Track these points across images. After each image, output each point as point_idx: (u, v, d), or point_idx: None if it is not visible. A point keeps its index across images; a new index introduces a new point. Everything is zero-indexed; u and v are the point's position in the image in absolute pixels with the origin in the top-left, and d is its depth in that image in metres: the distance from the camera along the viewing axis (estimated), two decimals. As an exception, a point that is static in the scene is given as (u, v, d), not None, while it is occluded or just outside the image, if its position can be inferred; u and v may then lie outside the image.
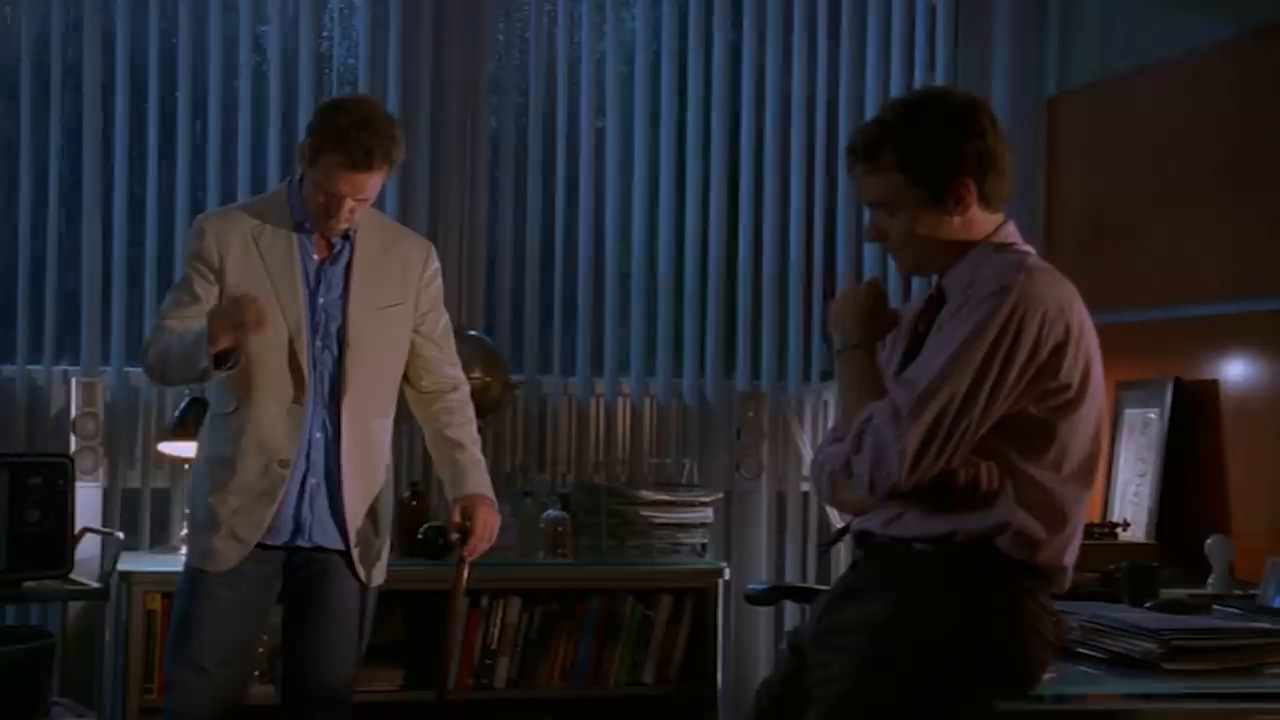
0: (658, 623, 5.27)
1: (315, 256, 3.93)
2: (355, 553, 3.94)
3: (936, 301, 3.04)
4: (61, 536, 4.67)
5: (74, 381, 5.14)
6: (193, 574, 3.94)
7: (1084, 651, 3.48)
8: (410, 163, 5.37)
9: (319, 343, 3.90)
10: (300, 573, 3.96)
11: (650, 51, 5.83)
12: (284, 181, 4.08)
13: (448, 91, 5.58)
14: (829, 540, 3.35)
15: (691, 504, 5.43)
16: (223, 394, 3.95)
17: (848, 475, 2.89)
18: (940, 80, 6.03)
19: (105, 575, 4.77)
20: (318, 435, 3.90)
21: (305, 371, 3.86)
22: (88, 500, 5.01)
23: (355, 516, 3.93)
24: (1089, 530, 4.91)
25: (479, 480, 4.07)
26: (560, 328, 5.73)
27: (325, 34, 5.59)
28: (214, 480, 3.91)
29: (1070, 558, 2.98)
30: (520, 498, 5.37)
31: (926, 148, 2.94)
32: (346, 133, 3.76)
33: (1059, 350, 2.86)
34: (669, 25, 5.83)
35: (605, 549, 5.36)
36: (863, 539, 3.08)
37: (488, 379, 5.23)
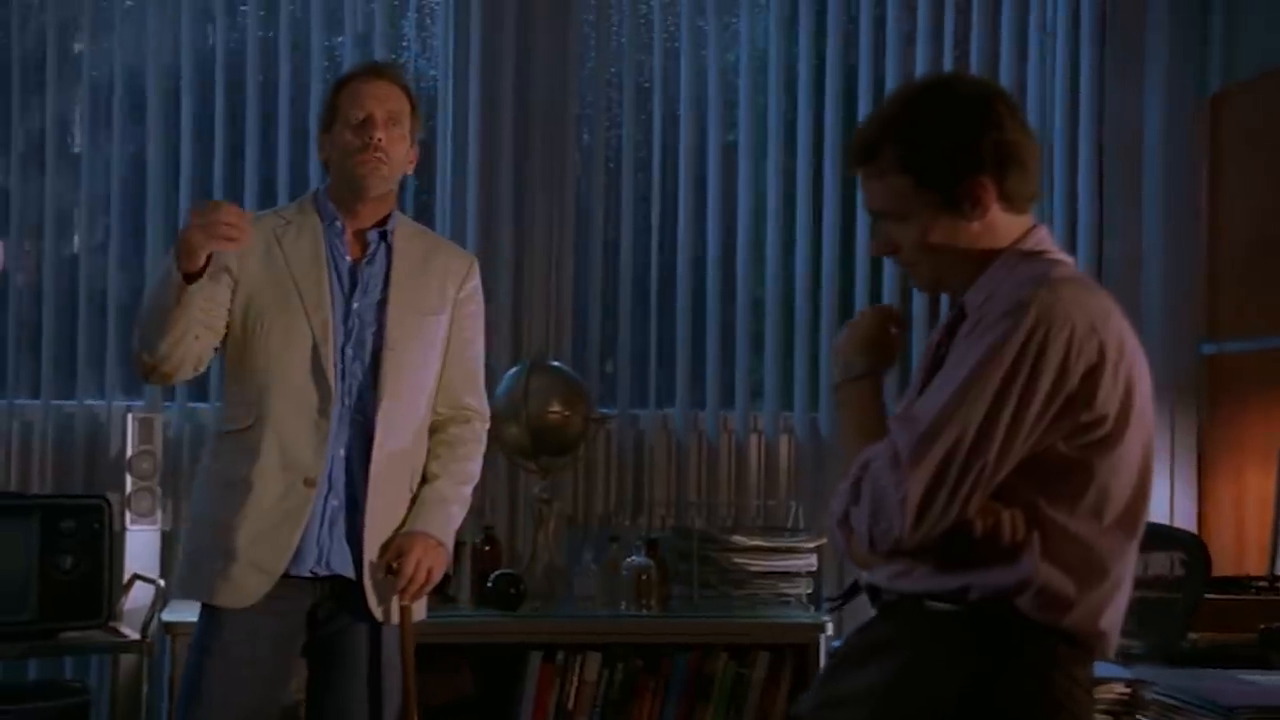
0: (754, 681, 5.00)
1: (348, 257, 3.79)
2: (368, 584, 3.74)
3: (957, 323, 2.73)
4: (97, 584, 4.57)
5: (130, 417, 5.02)
6: (207, 617, 3.75)
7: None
8: (495, 180, 5.33)
9: (349, 350, 3.74)
10: (325, 629, 3.78)
11: (754, 66, 5.60)
12: (312, 190, 3.96)
13: (532, 109, 5.45)
14: (838, 598, 3.06)
15: (794, 550, 5.14)
16: (236, 408, 3.77)
17: (848, 530, 2.60)
18: (1086, 83, 5.69)
19: (145, 626, 4.65)
20: (340, 453, 3.73)
21: (332, 379, 3.69)
22: (143, 545, 4.92)
23: (373, 544, 3.74)
24: (1246, 584, 4.56)
25: (426, 516, 3.80)
26: (656, 358, 5.54)
27: (405, 43, 5.48)
28: (228, 504, 3.70)
29: (1110, 620, 2.64)
30: (605, 543, 5.16)
31: (933, 143, 2.64)
32: (355, 67, 3.92)
33: (1092, 375, 2.53)
34: (776, 37, 5.61)
35: (697, 599, 5.11)
36: (873, 595, 2.80)
37: (567, 413, 5.05)
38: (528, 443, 5.00)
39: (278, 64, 5.36)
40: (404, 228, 3.87)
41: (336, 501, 3.72)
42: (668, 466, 5.48)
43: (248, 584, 3.67)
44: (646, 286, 5.54)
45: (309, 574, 3.71)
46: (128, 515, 4.92)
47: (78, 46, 5.32)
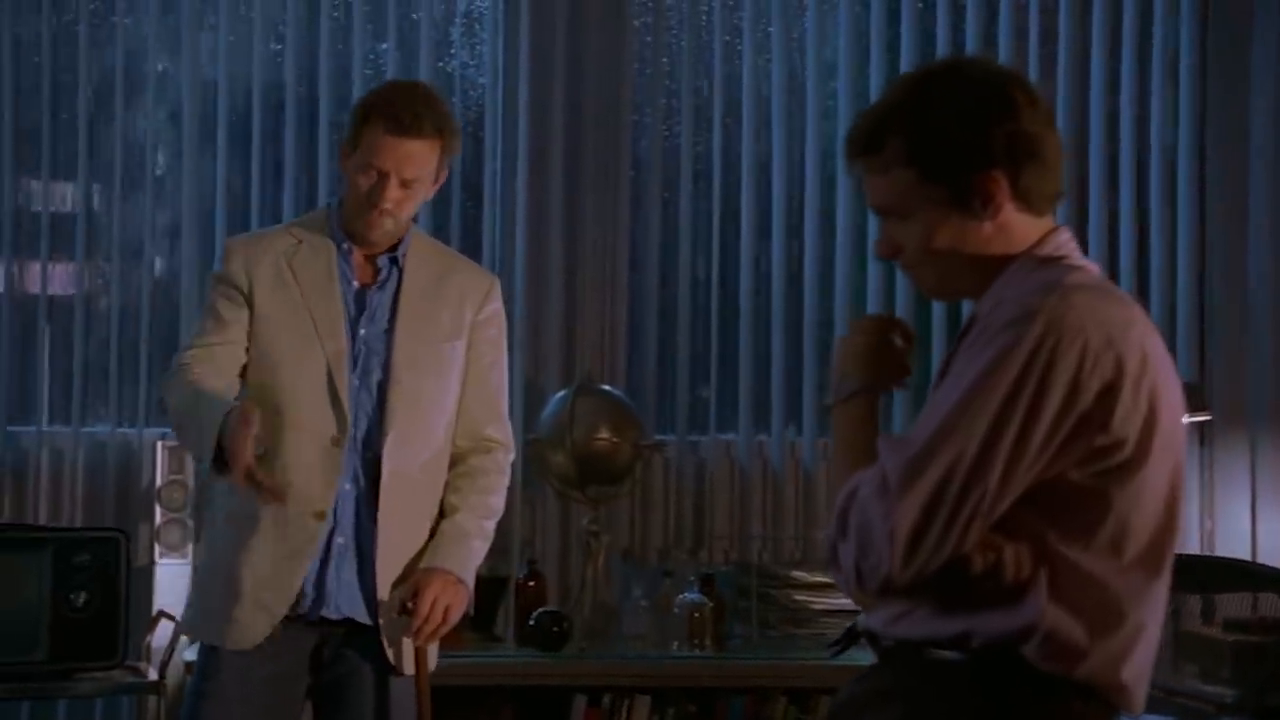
0: (814, 728, 4.85)
1: (356, 282, 3.67)
2: (384, 631, 3.60)
3: (967, 335, 2.50)
4: (112, 622, 4.48)
5: (160, 445, 4.91)
6: (205, 658, 3.63)
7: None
8: (545, 193, 5.25)
9: (355, 380, 3.62)
10: (329, 672, 3.64)
11: (822, 73, 5.43)
12: (325, 205, 3.84)
13: (584, 116, 5.34)
14: (836, 643, 2.82)
15: (860, 587, 4.92)
16: None
17: (837, 566, 2.39)
18: (1185, 91, 5.44)
19: (164, 666, 4.55)
20: (348, 487, 3.60)
21: (347, 408, 3.58)
22: (172, 579, 4.81)
23: (385, 585, 3.60)
24: None
25: (445, 552, 3.66)
26: (717, 380, 5.38)
27: (452, 51, 5.39)
28: (237, 540, 3.60)
29: (1135, 671, 2.38)
30: (658, 578, 4.99)
31: (941, 133, 2.41)
32: (389, 98, 3.58)
33: (1108, 393, 2.28)
34: (846, 43, 5.43)
35: (755, 640, 4.94)
36: (871, 640, 2.56)
37: (616, 440, 4.91)
38: (573, 471, 4.88)
39: (319, 78, 5.28)
40: (419, 248, 3.74)
41: (343, 539, 3.60)
42: (729, 497, 5.31)
43: (252, 626, 3.57)
44: (707, 304, 5.39)
45: (316, 618, 3.59)
46: (157, 548, 4.83)
47: (159, 66, 5.29)
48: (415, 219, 3.82)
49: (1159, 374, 2.36)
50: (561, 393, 5.00)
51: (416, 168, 3.55)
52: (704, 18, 5.40)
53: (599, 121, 5.32)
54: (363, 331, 3.63)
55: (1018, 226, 2.44)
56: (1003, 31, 5.46)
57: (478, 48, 5.39)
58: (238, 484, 3.36)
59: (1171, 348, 5.17)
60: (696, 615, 4.81)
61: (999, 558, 2.31)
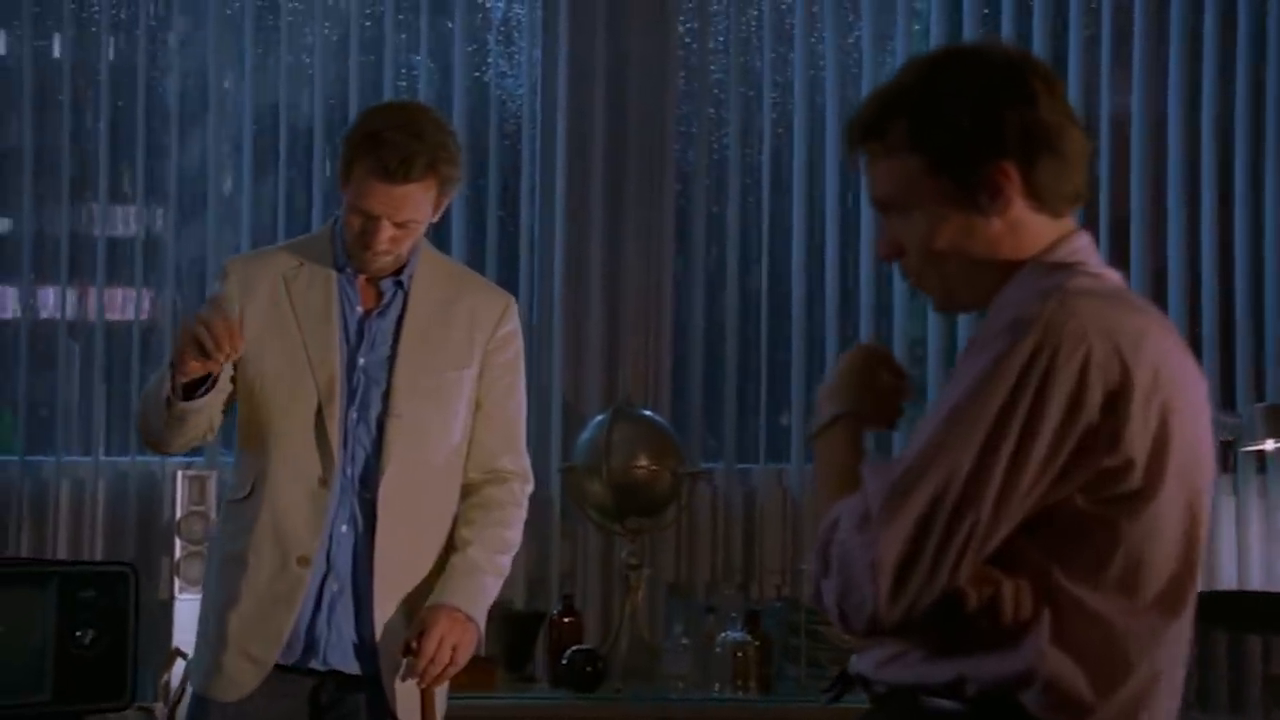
0: (866, 778, 4.61)
1: (359, 308, 3.53)
2: (386, 680, 3.45)
3: None
4: (121, 661, 4.33)
5: (180, 476, 4.81)
6: (195, 709, 3.53)
7: None
8: (585, 206, 5.18)
9: (354, 414, 3.48)
10: (330, 714, 3.50)
11: (879, 74, 5.27)
12: (331, 219, 3.70)
13: (626, 124, 5.27)
14: (829, 688, 2.63)
15: (915, 625, 4.76)
16: (239, 473, 3.57)
17: (821, 605, 2.22)
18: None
19: (174, 706, 4.42)
20: (343, 529, 3.46)
21: (335, 446, 3.45)
22: (191, 615, 4.48)
23: (389, 637, 3.45)
24: None
25: (454, 588, 3.50)
26: (767, 405, 5.25)
27: (489, 61, 5.30)
28: (225, 583, 3.50)
29: None
30: (703, 615, 4.85)
31: (949, 118, 2.25)
32: (380, 135, 3.36)
33: (1115, 408, 2.10)
34: (902, 42, 5.32)
35: (804, 681, 4.78)
36: (864, 685, 2.39)
37: (655, 468, 4.79)
38: (610, 501, 4.77)
39: (349, 97, 5.21)
40: (428, 269, 3.59)
41: (337, 586, 3.46)
42: (781, 528, 5.15)
43: (238, 675, 3.44)
44: (757, 322, 5.28)
45: (305, 669, 3.46)
46: (177, 582, 4.73)
47: (225, 84, 5.25)
48: (428, 233, 3.69)
49: (1174, 392, 2.15)
50: (599, 418, 4.88)
51: (410, 212, 3.40)
52: (753, 24, 5.30)
53: (642, 133, 5.25)
54: (362, 361, 3.50)
55: (1030, 227, 2.26)
56: (1072, 45, 5.35)
57: (515, 57, 5.30)
58: (186, 358, 3.23)
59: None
60: (740, 655, 4.67)
61: (996, 594, 2.13)
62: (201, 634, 3.57)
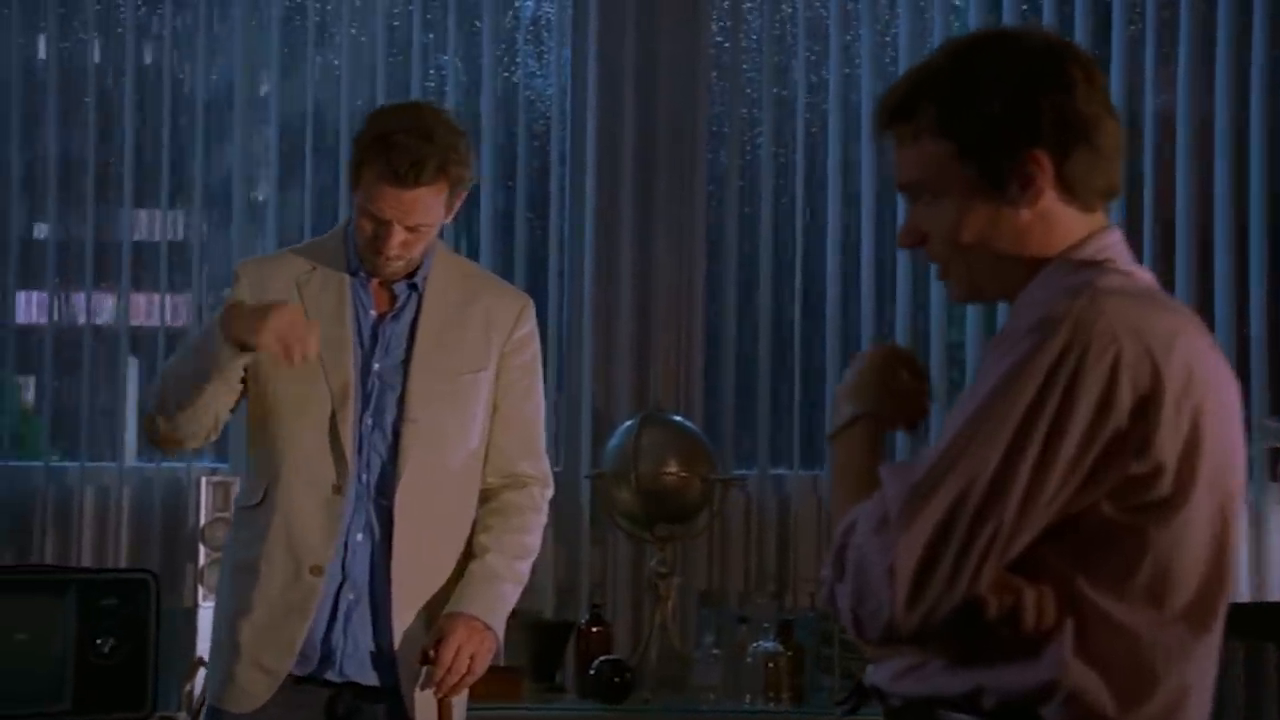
0: (901, 793, 4.55)
1: (373, 311, 3.51)
2: (406, 691, 3.43)
3: None
4: (141, 670, 4.36)
5: (204, 482, 4.79)
6: (211, 718, 3.51)
7: None
8: (615, 208, 5.13)
9: (369, 419, 3.46)
10: None
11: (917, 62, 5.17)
12: (345, 220, 3.68)
13: (657, 125, 5.22)
14: (844, 700, 2.57)
15: (954, 634, 4.70)
16: (250, 479, 3.56)
17: (836, 611, 2.17)
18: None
19: (195, 714, 4.37)
20: (359, 537, 3.44)
21: (348, 452, 3.43)
22: None
23: (408, 646, 3.43)
24: None
25: (472, 595, 3.48)
26: (801, 409, 5.20)
27: (519, 61, 5.26)
28: (237, 592, 3.49)
29: None
30: (734, 625, 4.81)
31: (981, 103, 2.19)
32: (389, 138, 3.33)
33: (1145, 412, 2.03)
34: (939, 36, 5.22)
35: (838, 692, 4.66)
36: (880, 697, 2.32)
37: (685, 474, 4.74)
38: (639, 508, 4.72)
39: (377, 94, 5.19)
40: (443, 270, 3.56)
41: (354, 595, 3.44)
42: (815, 536, 5.10)
43: (251, 687, 3.43)
44: (790, 325, 5.22)
45: (321, 680, 3.45)
46: (200, 590, 4.70)
47: (263, 89, 5.26)
48: (441, 234, 3.66)
49: (1207, 394, 2.08)
50: (627, 423, 4.84)
51: (421, 215, 3.38)
52: (786, 21, 5.25)
53: (673, 133, 5.20)
54: (376, 366, 3.48)
55: (1060, 220, 2.19)
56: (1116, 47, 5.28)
57: (545, 56, 5.27)
58: (273, 334, 3.27)
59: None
60: (772, 665, 4.63)
61: (1018, 602, 2.07)
62: (214, 644, 3.55)
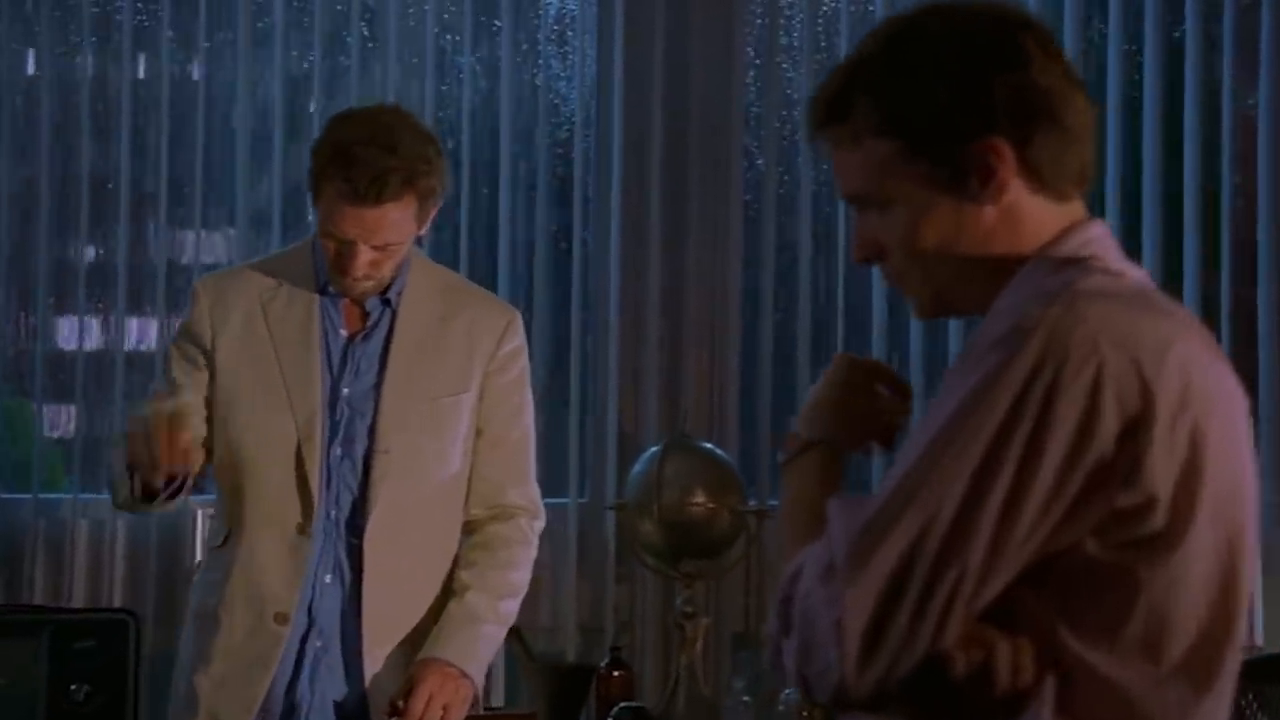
0: None
1: (343, 331, 3.41)
2: None
3: None
4: (118, 717, 4.14)
5: (199, 514, 4.65)
6: None
7: None
8: (643, 216, 4.98)
9: (338, 449, 3.37)
10: None
11: None
12: (314, 232, 3.53)
13: (688, 126, 5.08)
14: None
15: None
16: (216, 518, 3.54)
17: (782, 670, 2.02)
18: None
19: (183, 768, 4.26)
20: (327, 579, 3.38)
21: (315, 486, 3.33)
22: None
23: (380, 696, 3.34)
24: None
25: (447, 639, 3.40)
26: None
27: (541, 62, 5.14)
28: (197, 641, 3.45)
29: None
30: (765, 670, 4.53)
31: (924, 90, 2.02)
32: (348, 151, 3.22)
33: (1133, 435, 1.84)
34: None
35: None
36: None
37: (712, 505, 4.50)
38: (662, 542, 4.48)
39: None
40: (420, 283, 3.45)
41: (321, 643, 3.38)
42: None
43: None
44: (831, 344, 5.05)
45: None
46: (192, 629, 4.61)
47: (311, 106, 5.13)
48: (420, 242, 3.51)
49: (1207, 410, 1.88)
50: (651, 450, 4.64)
51: (388, 234, 3.25)
52: (829, 14, 5.11)
53: (705, 136, 5.05)
54: (346, 391, 3.38)
55: (1030, 214, 2.01)
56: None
57: (569, 56, 5.14)
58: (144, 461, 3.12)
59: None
60: (806, 715, 4.32)
61: (990, 657, 1.89)
62: (173, 696, 3.49)
